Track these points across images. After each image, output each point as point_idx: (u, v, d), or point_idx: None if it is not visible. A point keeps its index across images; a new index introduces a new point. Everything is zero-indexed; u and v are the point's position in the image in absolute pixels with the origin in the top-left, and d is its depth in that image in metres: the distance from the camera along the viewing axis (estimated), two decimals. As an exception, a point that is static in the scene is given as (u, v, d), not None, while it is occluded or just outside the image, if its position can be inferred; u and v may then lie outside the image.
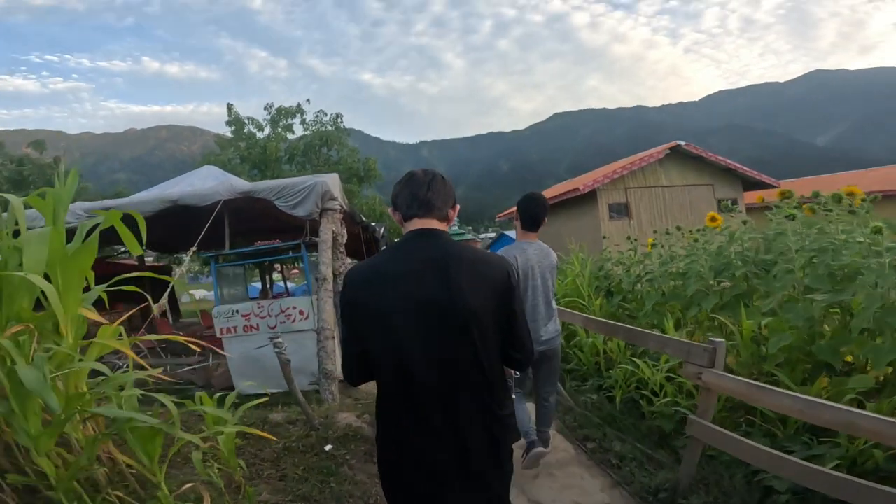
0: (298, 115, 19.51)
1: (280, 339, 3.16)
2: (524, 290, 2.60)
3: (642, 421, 3.37)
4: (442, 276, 1.22)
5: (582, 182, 15.06)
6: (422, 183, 1.37)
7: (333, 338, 4.78)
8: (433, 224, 1.36)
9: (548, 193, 19.34)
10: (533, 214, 2.69)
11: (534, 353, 1.43)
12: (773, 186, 15.12)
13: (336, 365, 4.66)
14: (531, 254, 2.66)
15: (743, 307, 2.96)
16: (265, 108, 19.52)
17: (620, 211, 14.41)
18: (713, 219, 3.84)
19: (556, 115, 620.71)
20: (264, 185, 5.38)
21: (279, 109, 19.35)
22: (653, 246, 4.77)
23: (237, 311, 5.37)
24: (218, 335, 5.37)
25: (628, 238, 5.47)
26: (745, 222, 3.63)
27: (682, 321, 3.80)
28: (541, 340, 2.63)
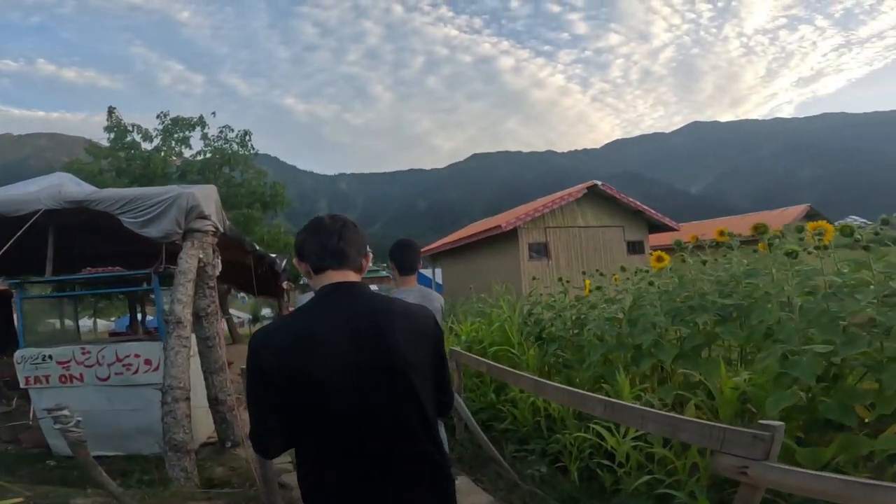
0: (199, 129, 17.16)
1: (66, 411, 2.18)
2: None
3: (607, 499, 2.75)
4: (376, 334, 1.19)
5: (504, 220, 15.03)
6: (332, 231, 1.34)
7: (187, 399, 3.65)
8: (350, 276, 1.32)
9: (469, 230, 18.73)
10: (409, 259, 2.81)
11: (453, 396, 1.45)
12: (674, 229, 16.01)
13: (190, 434, 3.67)
14: (412, 300, 2.35)
15: (719, 360, 2.48)
16: (158, 117, 16.93)
17: (540, 251, 14.41)
18: (660, 258, 3.46)
19: (475, 155, 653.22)
20: (106, 195, 4.16)
21: (175, 120, 16.98)
22: (590, 290, 4.44)
23: (49, 357, 4.10)
24: (22, 385, 4.32)
25: (560, 279, 5.10)
26: (704, 262, 3.28)
27: (630, 375, 3.28)
28: None
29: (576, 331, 4.38)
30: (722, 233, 3.00)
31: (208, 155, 17.09)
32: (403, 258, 2.78)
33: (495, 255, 15.18)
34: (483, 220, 20.10)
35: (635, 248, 15.33)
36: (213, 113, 17.07)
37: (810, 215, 19.49)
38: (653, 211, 15.77)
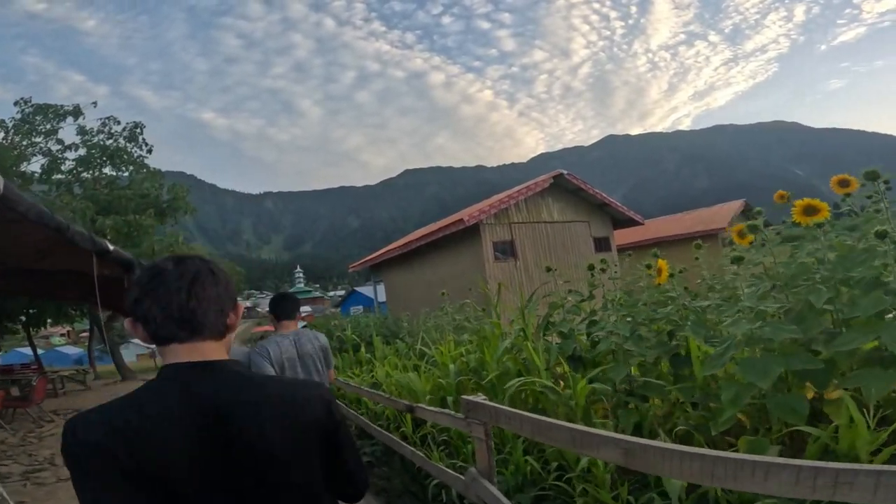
0: (72, 119, 13.62)
1: None
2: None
3: None
4: (235, 429, 0.94)
5: (467, 213, 12.94)
6: (177, 287, 0.97)
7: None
8: (206, 351, 0.99)
9: (416, 234, 16.53)
10: (284, 309, 3.11)
11: (368, 483, 1.23)
12: (639, 223, 15.40)
13: None
14: (286, 346, 2.96)
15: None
16: (16, 104, 13.65)
17: (506, 250, 12.80)
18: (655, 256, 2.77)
19: (407, 171, 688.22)
20: None
21: (39, 108, 13.63)
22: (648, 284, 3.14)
23: None
24: None
25: (604, 269, 3.51)
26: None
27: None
28: None
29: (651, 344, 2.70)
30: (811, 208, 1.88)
31: (82, 151, 13.87)
32: (279, 308, 3.12)
33: (452, 258, 13.32)
34: (431, 225, 16.86)
35: (601, 244, 14.29)
36: (94, 103, 13.92)
37: (745, 211, 18.05)
38: (618, 204, 14.71)
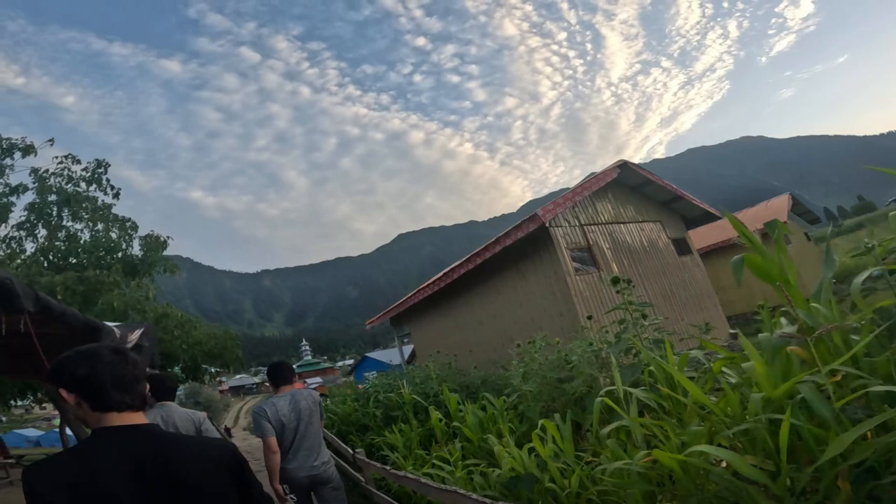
0: (21, 155, 10.79)
1: None
2: (280, 434, 3.37)
3: None
4: (167, 475, 1.20)
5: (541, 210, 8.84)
6: (120, 362, 1.30)
7: None
8: (136, 418, 1.29)
9: (456, 263, 11.30)
10: (281, 376, 3.59)
11: None
12: (717, 217, 12.48)
13: None
14: (282, 405, 3.45)
15: None
16: None
17: (584, 259, 9.41)
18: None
19: (401, 236, 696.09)
20: None
21: None
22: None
23: None
24: None
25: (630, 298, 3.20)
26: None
27: None
28: (311, 466, 3.43)
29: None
30: None
31: (34, 195, 10.95)
32: (275, 375, 3.59)
33: (512, 281, 9.97)
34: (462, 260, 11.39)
35: (681, 247, 11.49)
36: (51, 140, 11.44)
37: (793, 205, 17.30)
38: (692, 197, 11.80)
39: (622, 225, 10.68)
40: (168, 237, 11.96)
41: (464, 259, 10.98)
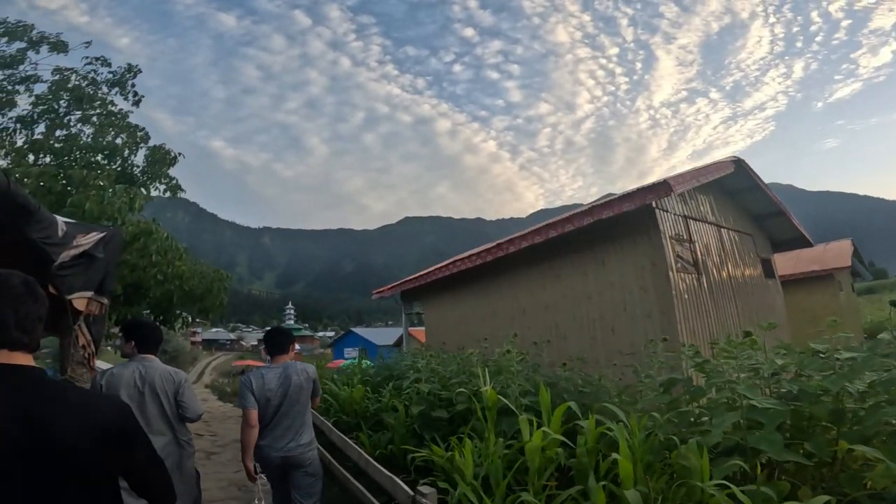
0: (49, 49, 9.46)
1: None
2: (264, 409, 3.18)
3: None
4: (36, 426, 1.10)
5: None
6: (27, 297, 1.21)
7: None
8: (18, 358, 1.18)
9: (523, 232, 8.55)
10: (276, 344, 3.37)
11: (171, 500, 1.41)
12: (809, 244, 11.00)
13: None
14: (270, 378, 3.24)
15: None
16: None
17: (685, 257, 7.27)
18: None
19: (407, 219, 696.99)
20: None
21: (6, 28, 9.39)
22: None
23: None
24: None
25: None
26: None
27: None
28: (285, 447, 3.19)
29: None
30: None
31: (46, 89, 9.49)
32: (272, 342, 3.40)
33: (582, 268, 7.74)
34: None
35: (767, 269, 9.79)
36: (88, 43, 10.16)
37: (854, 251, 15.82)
38: (793, 215, 10.05)
39: (723, 230, 8.80)
40: (179, 154, 10.26)
41: (527, 231, 8.56)
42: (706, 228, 8.18)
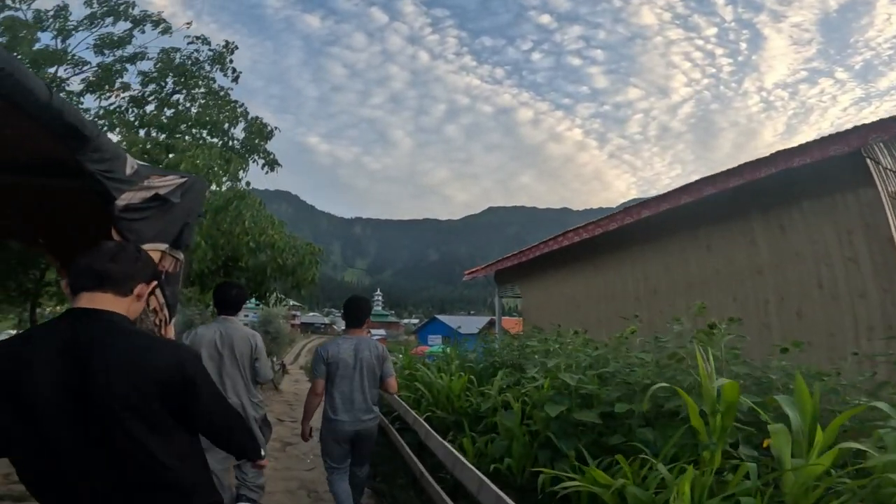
0: (152, 27, 9.55)
1: None
2: (332, 377, 3.25)
3: None
4: (82, 363, 1.15)
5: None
6: (105, 253, 1.30)
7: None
8: (104, 302, 1.25)
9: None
10: (354, 316, 3.40)
11: (253, 448, 1.49)
12: None
13: None
14: (344, 348, 3.30)
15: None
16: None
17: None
18: None
19: (490, 209, 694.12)
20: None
21: (109, 7, 9.26)
22: None
23: None
24: None
25: None
26: None
27: None
28: (359, 420, 3.23)
29: None
30: None
31: (146, 65, 9.69)
32: (349, 313, 3.42)
33: (748, 236, 6.21)
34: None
35: None
36: (189, 23, 10.09)
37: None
38: None
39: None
40: (276, 128, 10.31)
41: (668, 191, 6.88)
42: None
